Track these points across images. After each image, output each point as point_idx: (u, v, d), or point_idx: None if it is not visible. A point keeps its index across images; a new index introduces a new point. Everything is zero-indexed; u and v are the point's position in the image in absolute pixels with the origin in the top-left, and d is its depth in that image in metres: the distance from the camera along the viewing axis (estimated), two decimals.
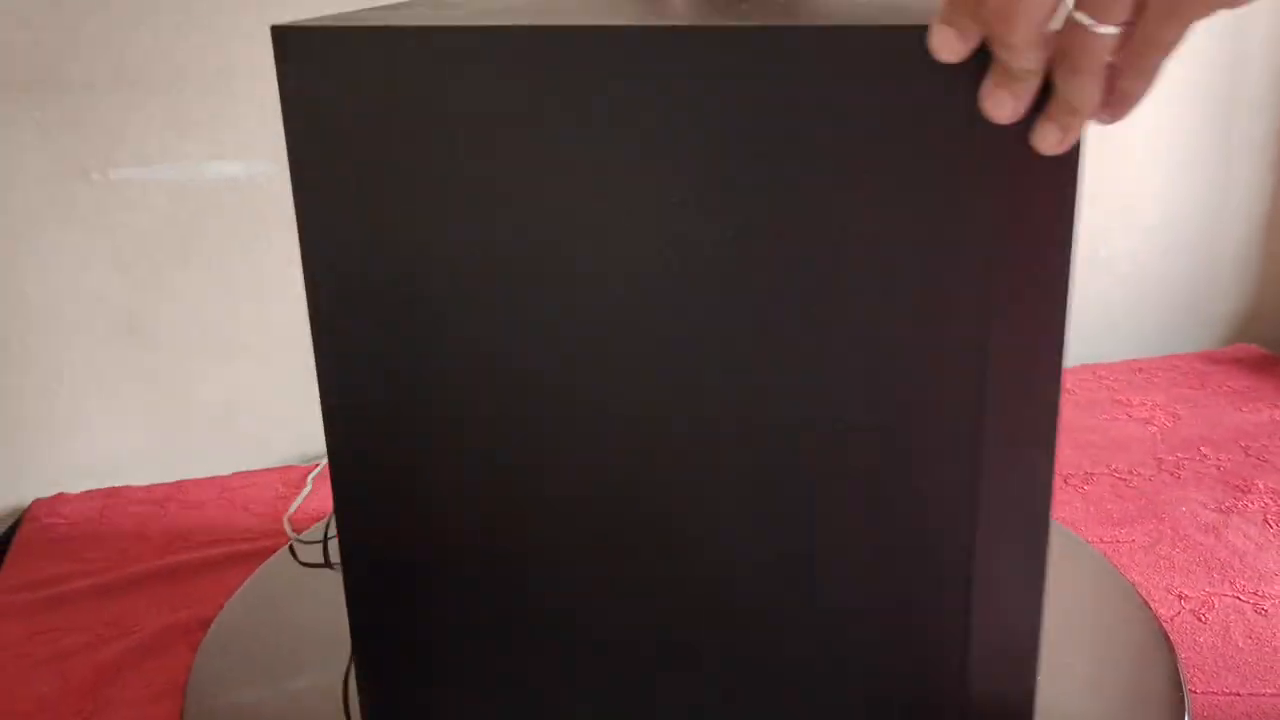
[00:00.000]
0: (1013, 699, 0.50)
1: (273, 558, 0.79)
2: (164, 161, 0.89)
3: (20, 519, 0.89)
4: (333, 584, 0.75)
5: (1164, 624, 0.70)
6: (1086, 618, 0.71)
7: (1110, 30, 0.39)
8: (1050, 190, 0.43)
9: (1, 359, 0.90)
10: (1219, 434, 0.98)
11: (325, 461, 0.51)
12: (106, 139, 0.87)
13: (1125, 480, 0.91)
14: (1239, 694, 0.65)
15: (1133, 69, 0.41)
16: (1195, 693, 0.65)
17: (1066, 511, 0.86)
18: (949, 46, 0.41)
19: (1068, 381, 1.10)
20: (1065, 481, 0.91)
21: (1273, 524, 0.83)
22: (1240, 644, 0.69)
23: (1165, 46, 0.40)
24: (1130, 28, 0.40)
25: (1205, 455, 0.94)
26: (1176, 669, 0.66)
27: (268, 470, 0.95)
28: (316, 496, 0.89)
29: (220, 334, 0.95)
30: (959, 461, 0.47)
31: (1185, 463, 0.93)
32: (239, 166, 0.91)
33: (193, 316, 0.94)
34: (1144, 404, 1.05)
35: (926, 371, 0.45)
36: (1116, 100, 0.42)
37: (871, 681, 0.50)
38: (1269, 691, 0.65)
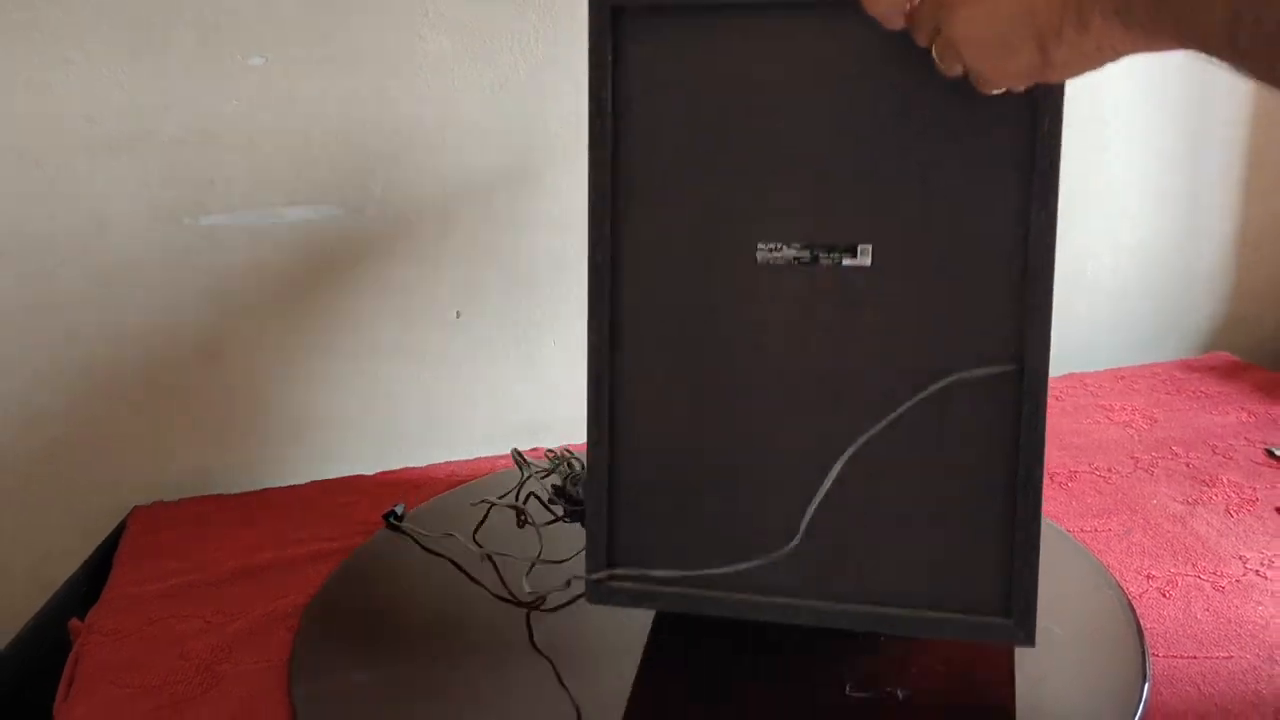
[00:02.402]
0: None
1: (352, 554, 0.90)
2: (246, 208, 1.00)
3: (123, 524, 1.00)
4: (401, 577, 0.86)
5: (1132, 600, 0.81)
6: (1065, 595, 0.82)
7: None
8: None
9: (105, 383, 1.01)
10: (1189, 435, 1.08)
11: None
12: (197, 190, 0.98)
13: (1105, 477, 1.01)
14: (1195, 657, 0.75)
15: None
16: (1157, 656, 0.75)
17: (1052, 506, 0.96)
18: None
19: (1057, 389, 1.21)
20: (1051, 479, 1.01)
21: (1233, 514, 0.93)
22: (1199, 616, 0.80)
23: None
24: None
25: (1176, 454, 1.05)
26: (1141, 636, 0.76)
27: (339, 479, 1.06)
28: (381, 501, 1.00)
29: (293, 358, 1.06)
30: None
31: (1158, 461, 1.04)
32: (310, 211, 1.02)
33: (270, 342, 1.05)
34: (1124, 408, 1.16)
35: None
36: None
37: None
38: (1220, 655, 0.75)
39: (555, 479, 0.92)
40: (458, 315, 1.10)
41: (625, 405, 0.67)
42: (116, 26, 0.93)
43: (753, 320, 0.64)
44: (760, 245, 0.63)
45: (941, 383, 0.61)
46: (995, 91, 0.59)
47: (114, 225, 0.97)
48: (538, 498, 0.91)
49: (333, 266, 1.04)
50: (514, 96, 1.05)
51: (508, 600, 0.79)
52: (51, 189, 0.95)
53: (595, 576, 0.69)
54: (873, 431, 0.62)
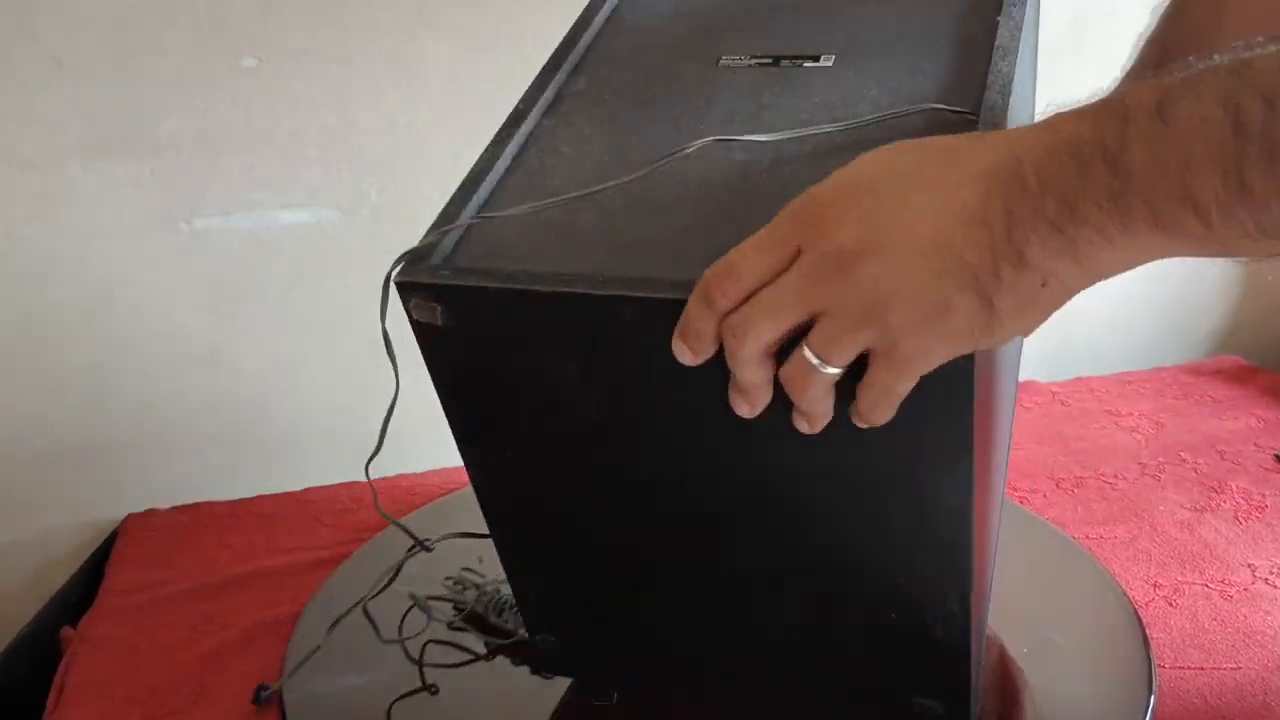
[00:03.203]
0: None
1: (345, 562, 0.89)
2: (241, 211, 0.99)
3: (116, 532, 0.99)
4: (394, 585, 0.85)
5: (1139, 609, 0.79)
6: (1070, 604, 0.80)
7: (834, 371, 0.44)
8: None
9: (97, 389, 1.00)
10: (1198, 440, 1.07)
11: None
12: (191, 193, 0.98)
13: (1111, 484, 1.00)
14: (1202, 668, 0.74)
15: (868, 401, 0.45)
16: (1163, 667, 0.74)
17: (1057, 512, 0.95)
18: (683, 355, 0.46)
19: (1062, 393, 1.20)
20: (1057, 485, 1.00)
21: (1242, 520, 0.92)
22: (1206, 625, 0.78)
23: (895, 392, 0.44)
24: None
25: (1184, 459, 1.03)
26: (1147, 646, 0.74)
27: (334, 485, 1.04)
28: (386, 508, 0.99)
29: (289, 364, 1.05)
30: None
31: (1166, 467, 1.02)
32: (306, 214, 1.01)
33: (265, 348, 1.04)
34: (1131, 413, 1.14)
35: None
36: (860, 416, 0.46)
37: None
38: (1228, 666, 0.74)
39: (471, 605, 0.79)
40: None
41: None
42: (111, 28, 0.92)
43: (706, 106, 0.61)
44: (724, 57, 0.63)
45: (901, 110, 0.56)
46: (911, 383, 0.45)
47: (108, 229, 0.97)
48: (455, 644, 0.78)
49: (328, 269, 1.04)
50: (510, 98, 1.03)
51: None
52: (45, 192, 0.94)
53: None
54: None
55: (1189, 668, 0.74)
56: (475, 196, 0.57)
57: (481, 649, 0.76)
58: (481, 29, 1.01)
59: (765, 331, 0.44)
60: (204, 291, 1.01)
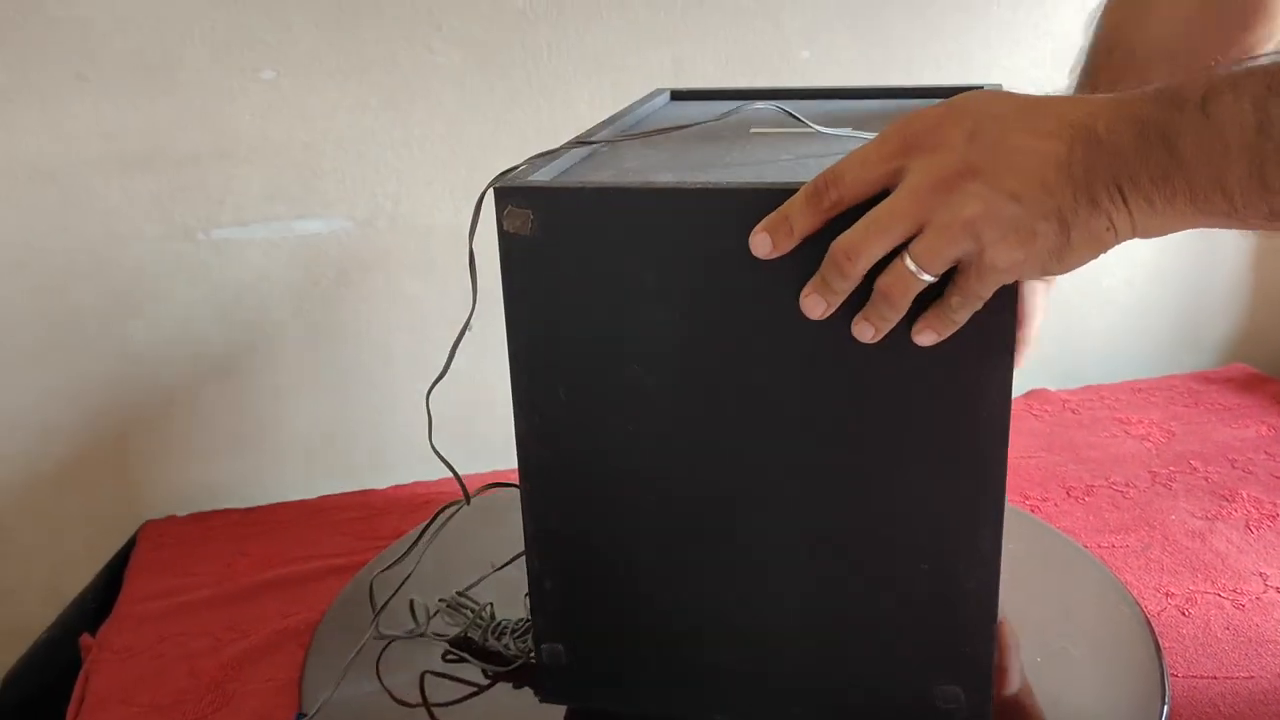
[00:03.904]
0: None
1: (363, 569, 0.89)
2: (258, 222, 1.00)
3: (134, 539, 1.00)
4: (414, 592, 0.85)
5: (1151, 618, 0.79)
6: (1082, 613, 0.81)
7: (930, 278, 0.50)
8: None
9: (116, 398, 1.01)
10: (1208, 448, 1.07)
11: None
12: (209, 204, 0.99)
13: (1122, 492, 1.00)
14: (1215, 677, 0.74)
15: (954, 302, 0.52)
16: (1176, 677, 0.74)
17: (1068, 521, 0.95)
18: (762, 246, 0.52)
19: (1073, 402, 1.20)
20: (1068, 493, 1.00)
21: (1253, 529, 0.92)
22: (1219, 634, 0.79)
23: (979, 298, 0.51)
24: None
25: (1195, 468, 1.04)
26: (1159, 656, 0.75)
27: (349, 493, 1.05)
28: (393, 515, 1.00)
29: (305, 373, 1.06)
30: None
31: (1177, 475, 1.02)
32: (321, 224, 1.02)
33: (281, 357, 1.05)
34: (1142, 422, 1.14)
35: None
36: (943, 323, 0.52)
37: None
38: (1241, 675, 0.74)
39: (466, 630, 0.78)
40: (468, 327, 1.09)
41: None
42: (129, 43, 0.93)
43: (748, 145, 0.67)
44: (754, 129, 0.68)
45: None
46: (991, 291, 0.52)
47: (127, 240, 0.98)
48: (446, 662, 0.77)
49: (344, 279, 1.04)
50: (525, 109, 1.04)
51: None
52: (65, 204, 0.95)
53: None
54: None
55: (1202, 677, 0.74)
56: (553, 164, 0.62)
57: (479, 675, 0.75)
58: (496, 41, 1.02)
59: (878, 248, 0.50)
60: (221, 301, 1.02)
